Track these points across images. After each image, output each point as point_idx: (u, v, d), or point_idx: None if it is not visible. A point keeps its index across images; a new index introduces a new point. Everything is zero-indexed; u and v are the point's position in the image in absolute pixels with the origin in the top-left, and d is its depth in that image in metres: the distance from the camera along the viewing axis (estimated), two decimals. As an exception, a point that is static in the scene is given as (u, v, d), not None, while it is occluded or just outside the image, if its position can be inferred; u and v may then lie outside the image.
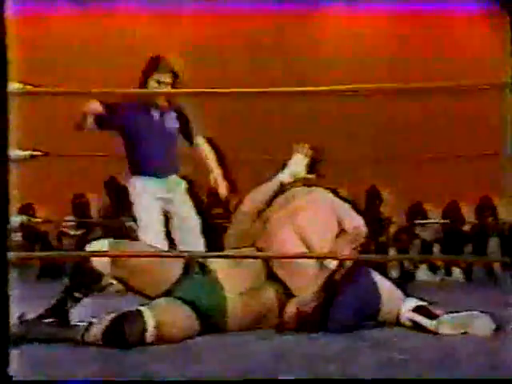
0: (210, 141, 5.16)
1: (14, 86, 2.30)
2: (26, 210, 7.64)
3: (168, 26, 8.95)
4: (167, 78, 4.89)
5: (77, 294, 3.51)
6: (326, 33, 9.12)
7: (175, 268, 3.64)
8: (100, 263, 3.46)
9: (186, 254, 4.32)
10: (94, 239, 3.64)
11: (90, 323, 3.30)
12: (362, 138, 8.33)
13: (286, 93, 3.32)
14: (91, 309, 3.58)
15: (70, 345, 3.24)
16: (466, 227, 8.01)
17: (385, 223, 7.97)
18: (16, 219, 2.36)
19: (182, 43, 8.60)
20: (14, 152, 2.29)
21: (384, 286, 3.80)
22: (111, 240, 3.57)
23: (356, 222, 3.98)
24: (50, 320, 3.37)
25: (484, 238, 7.71)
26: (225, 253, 3.96)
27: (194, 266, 3.66)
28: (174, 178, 5.11)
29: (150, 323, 3.25)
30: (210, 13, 8.87)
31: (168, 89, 4.91)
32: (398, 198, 8.05)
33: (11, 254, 2.18)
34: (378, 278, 3.81)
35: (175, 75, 4.91)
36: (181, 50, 8.59)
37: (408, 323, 3.70)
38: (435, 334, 3.57)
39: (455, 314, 3.62)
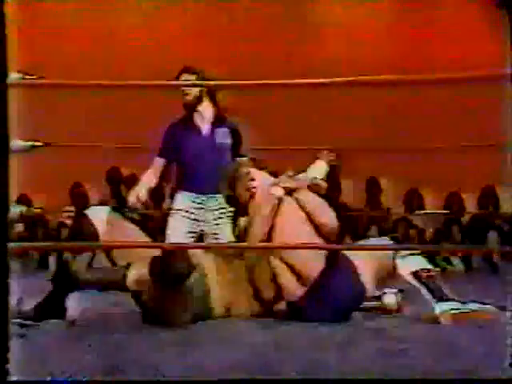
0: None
1: (14, 76, 2.30)
2: (23, 200, 7.63)
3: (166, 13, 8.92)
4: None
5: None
6: (320, 19, 9.09)
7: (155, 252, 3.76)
8: (99, 225, 3.55)
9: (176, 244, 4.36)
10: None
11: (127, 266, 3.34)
12: (363, 127, 8.32)
13: (290, 84, 3.32)
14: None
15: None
16: (466, 217, 8.01)
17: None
18: (16, 209, 2.36)
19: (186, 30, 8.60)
20: (15, 143, 2.29)
21: (364, 266, 3.81)
22: (112, 211, 3.68)
23: (326, 218, 3.99)
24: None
25: (484, 228, 7.71)
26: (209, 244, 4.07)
27: None
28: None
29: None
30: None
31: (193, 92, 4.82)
32: (398, 188, 8.06)
33: (11, 245, 2.18)
34: (357, 260, 3.81)
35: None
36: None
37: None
38: None
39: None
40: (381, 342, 3.12)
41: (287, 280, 3.78)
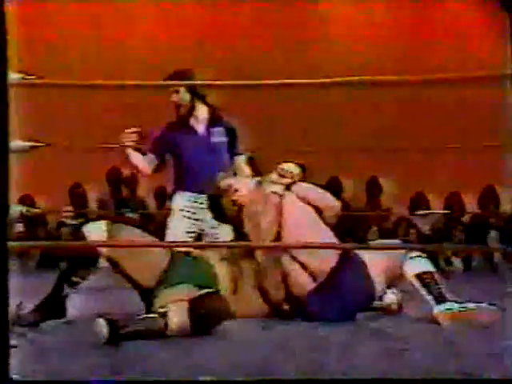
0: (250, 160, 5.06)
1: (14, 76, 2.30)
2: (25, 200, 7.64)
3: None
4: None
5: (74, 279, 3.57)
6: (323, 23, 9.09)
7: (164, 256, 3.74)
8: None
9: (177, 243, 4.37)
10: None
11: (165, 313, 3.32)
12: (363, 128, 8.32)
13: (289, 83, 3.32)
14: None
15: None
16: (467, 217, 8.01)
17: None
18: (16, 209, 2.36)
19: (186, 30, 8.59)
20: (15, 143, 2.29)
21: (375, 264, 3.80)
22: (109, 222, 3.67)
23: (327, 200, 4.01)
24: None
25: (484, 228, 7.71)
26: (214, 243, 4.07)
27: (180, 253, 3.80)
28: None
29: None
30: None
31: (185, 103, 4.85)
32: (399, 189, 8.05)
33: (11, 244, 2.18)
34: (366, 257, 3.80)
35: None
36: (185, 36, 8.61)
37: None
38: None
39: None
40: (381, 343, 3.12)
41: (298, 275, 3.76)
